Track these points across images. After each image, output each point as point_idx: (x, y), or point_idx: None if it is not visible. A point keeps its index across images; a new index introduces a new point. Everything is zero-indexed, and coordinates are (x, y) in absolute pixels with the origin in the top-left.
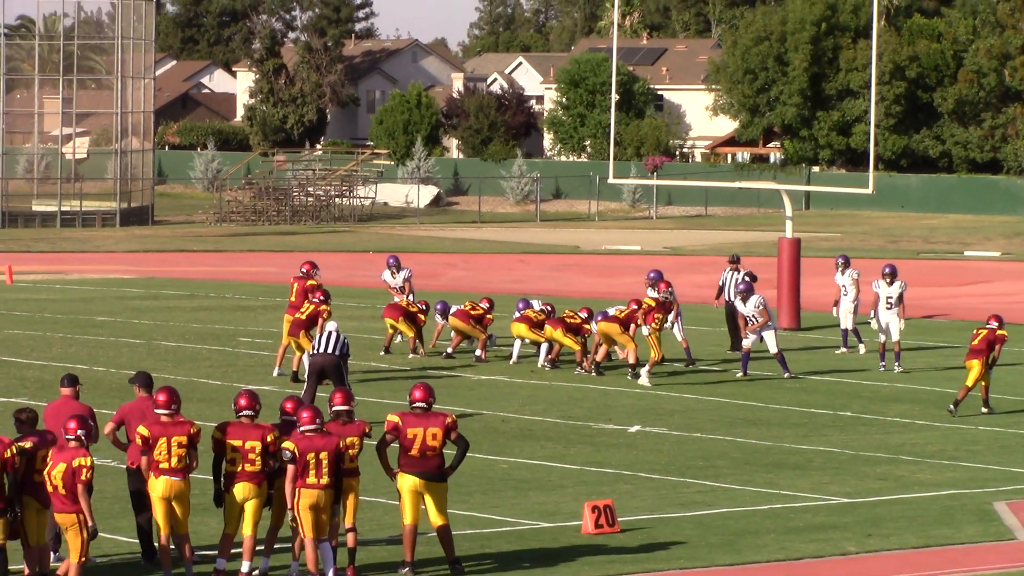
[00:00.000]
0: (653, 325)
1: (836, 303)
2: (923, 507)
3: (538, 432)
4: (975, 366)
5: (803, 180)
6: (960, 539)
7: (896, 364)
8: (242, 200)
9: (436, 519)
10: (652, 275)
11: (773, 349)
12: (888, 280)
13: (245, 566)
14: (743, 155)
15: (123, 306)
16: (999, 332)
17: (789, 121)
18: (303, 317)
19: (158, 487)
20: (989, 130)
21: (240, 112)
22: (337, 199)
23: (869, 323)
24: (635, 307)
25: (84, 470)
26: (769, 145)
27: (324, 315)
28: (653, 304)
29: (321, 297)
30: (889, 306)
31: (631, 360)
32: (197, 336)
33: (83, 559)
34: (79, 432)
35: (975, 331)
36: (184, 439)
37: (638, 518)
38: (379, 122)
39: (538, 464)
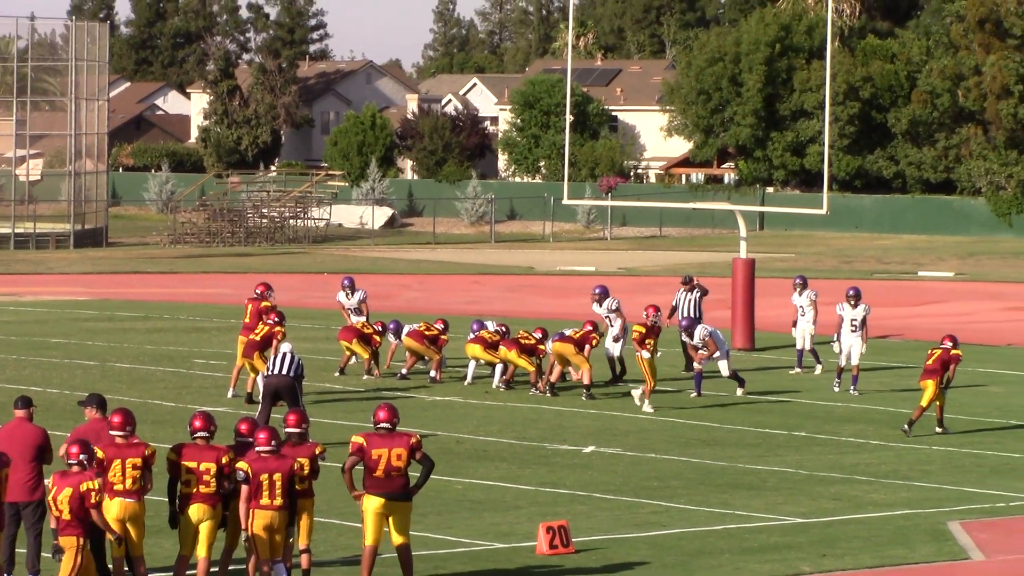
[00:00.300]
0: (646, 351)
1: (794, 323)
2: (877, 527)
3: (492, 453)
4: (929, 386)
5: (757, 201)
6: (914, 559)
7: (852, 387)
8: (196, 222)
9: (398, 539)
10: (598, 290)
11: (725, 373)
12: (852, 303)
13: None
14: (697, 176)
15: (77, 328)
16: (953, 352)
17: (743, 142)
18: (257, 338)
19: (113, 509)
20: (943, 151)
21: (194, 133)
22: (291, 220)
23: (831, 344)
24: (590, 328)
25: (93, 493)
26: (723, 166)
27: (279, 337)
28: (643, 331)
29: (276, 319)
30: (854, 329)
31: (585, 381)
32: (151, 358)
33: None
34: (81, 456)
35: (929, 351)
36: (139, 461)
37: (593, 539)
38: (333, 143)
39: (493, 485)
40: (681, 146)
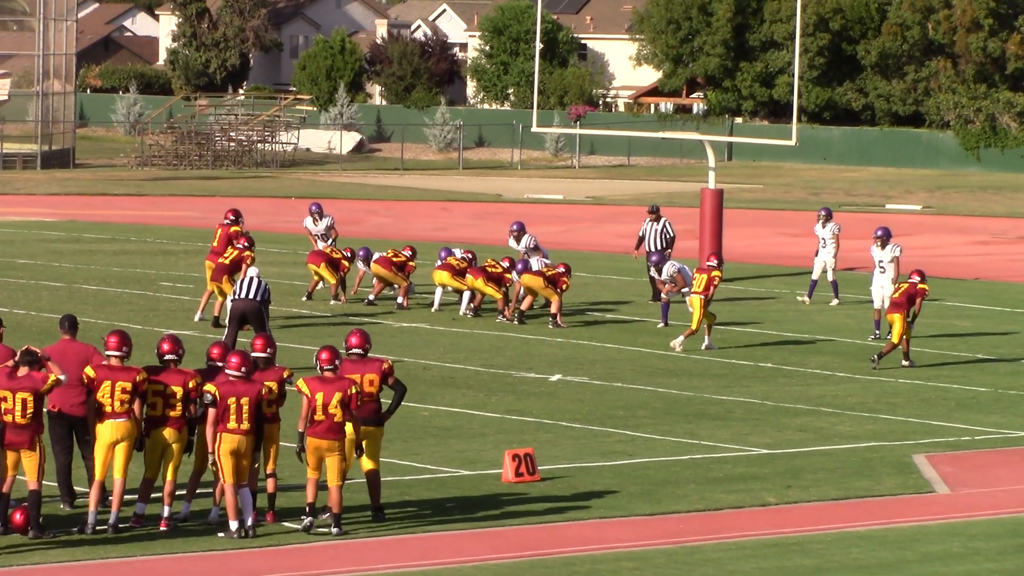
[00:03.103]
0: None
1: (817, 254)
2: (843, 459)
3: (459, 380)
4: (897, 320)
5: (726, 131)
6: (879, 491)
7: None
8: (164, 144)
9: (368, 463)
10: (515, 227)
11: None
12: (880, 244)
13: (165, 511)
14: (666, 105)
15: (44, 249)
16: (920, 286)
17: (712, 72)
18: (227, 263)
19: (105, 433)
20: (912, 83)
21: (163, 56)
22: (259, 144)
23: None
24: (563, 271)
25: (358, 396)
26: (692, 96)
27: (247, 261)
28: (720, 275)
29: (245, 243)
30: (882, 270)
31: (553, 310)
32: (118, 280)
33: (342, 483)
34: (336, 362)
35: (896, 285)
36: (129, 385)
37: (558, 467)
38: (302, 67)
39: (459, 412)
40: (650, 75)
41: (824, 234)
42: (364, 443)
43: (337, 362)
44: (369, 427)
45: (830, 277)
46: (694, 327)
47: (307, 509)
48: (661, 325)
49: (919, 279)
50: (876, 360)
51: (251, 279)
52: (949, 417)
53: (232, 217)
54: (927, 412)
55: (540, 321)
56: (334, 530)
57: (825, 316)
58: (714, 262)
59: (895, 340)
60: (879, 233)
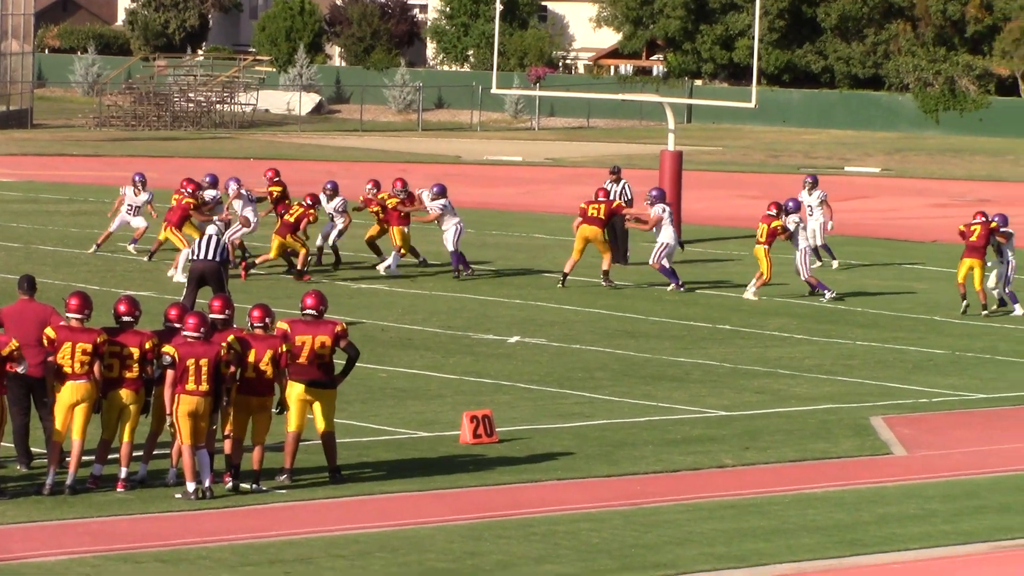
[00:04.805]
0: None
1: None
2: (800, 421)
3: (417, 341)
4: (976, 265)
5: (685, 93)
6: (837, 453)
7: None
8: (122, 105)
9: (322, 425)
10: (329, 186)
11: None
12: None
13: (122, 472)
14: (626, 67)
15: (1, 209)
16: (993, 225)
17: (672, 34)
18: (292, 219)
19: (64, 394)
20: (872, 46)
21: (121, 16)
22: (218, 105)
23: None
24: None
25: (286, 355)
26: (652, 58)
27: (191, 210)
28: (781, 224)
29: (191, 190)
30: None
31: (604, 267)
32: (76, 240)
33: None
34: (266, 320)
35: (969, 228)
36: (89, 347)
37: (516, 428)
38: (261, 28)
39: (417, 373)
40: (610, 37)
41: (811, 201)
42: (316, 405)
43: (268, 320)
44: (320, 389)
45: (819, 242)
46: (766, 275)
47: (232, 471)
48: (672, 287)
49: (984, 218)
50: (986, 311)
51: (210, 238)
52: (906, 379)
53: (190, 190)
54: (884, 374)
55: (498, 283)
56: (251, 486)
57: (783, 278)
58: (774, 211)
59: (978, 287)
60: (808, 180)
